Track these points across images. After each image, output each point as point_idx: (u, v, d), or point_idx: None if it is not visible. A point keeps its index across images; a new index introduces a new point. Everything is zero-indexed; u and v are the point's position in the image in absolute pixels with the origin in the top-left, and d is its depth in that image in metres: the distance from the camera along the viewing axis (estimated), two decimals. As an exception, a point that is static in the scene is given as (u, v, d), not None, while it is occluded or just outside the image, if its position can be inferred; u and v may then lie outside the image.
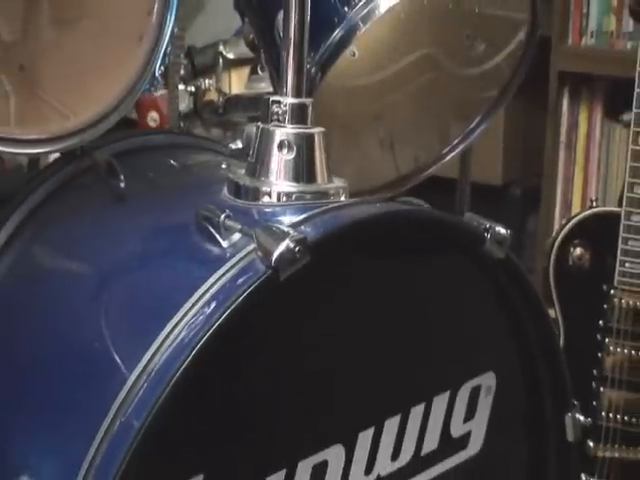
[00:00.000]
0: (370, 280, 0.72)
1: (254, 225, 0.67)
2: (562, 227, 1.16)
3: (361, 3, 0.86)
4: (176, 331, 0.63)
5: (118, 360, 0.66)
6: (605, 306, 1.13)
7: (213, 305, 0.63)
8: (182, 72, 1.32)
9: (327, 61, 0.86)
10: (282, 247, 0.63)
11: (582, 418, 0.84)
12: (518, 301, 0.80)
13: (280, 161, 0.75)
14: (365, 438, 0.73)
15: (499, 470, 0.85)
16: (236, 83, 1.35)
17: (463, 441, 0.81)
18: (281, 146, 0.74)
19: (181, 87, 1.32)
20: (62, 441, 0.67)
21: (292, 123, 0.75)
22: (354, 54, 0.89)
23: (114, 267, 0.76)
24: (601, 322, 1.14)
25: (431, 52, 1.00)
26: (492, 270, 0.78)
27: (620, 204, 1.11)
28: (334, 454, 0.71)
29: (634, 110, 1.10)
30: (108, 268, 0.76)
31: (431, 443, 0.78)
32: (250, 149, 0.77)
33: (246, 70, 1.34)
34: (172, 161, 0.90)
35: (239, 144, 0.86)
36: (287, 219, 0.70)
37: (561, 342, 1.15)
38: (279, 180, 0.75)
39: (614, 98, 1.70)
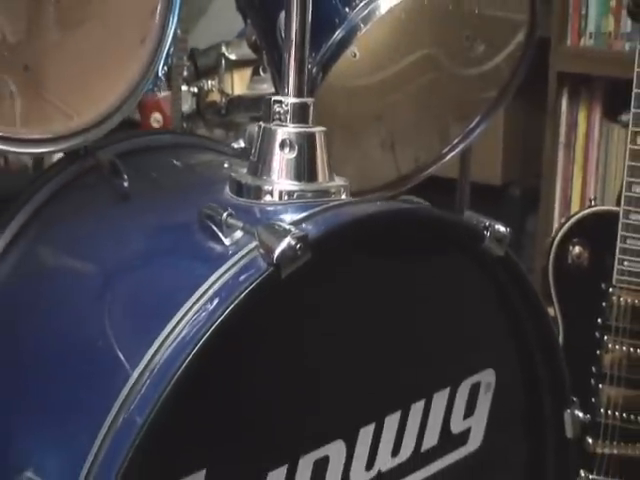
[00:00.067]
0: (370, 277, 0.73)
1: (256, 223, 0.68)
2: (561, 226, 1.17)
3: (362, 4, 0.87)
4: (178, 328, 0.64)
5: (121, 357, 0.67)
6: (604, 304, 1.14)
7: (215, 302, 0.64)
8: (185, 73, 1.33)
9: (328, 61, 0.86)
10: (284, 244, 0.64)
11: (581, 415, 0.85)
12: (517, 298, 0.81)
13: (282, 160, 0.76)
14: (366, 434, 0.74)
15: (498, 466, 0.86)
16: (238, 84, 1.36)
17: (463, 437, 0.81)
18: (283, 145, 0.75)
19: (184, 88, 1.33)
20: (66, 437, 0.67)
21: (294, 122, 0.76)
22: (355, 55, 0.90)
23: (117, 265, 0.76)
24: (600, 320, 1.15)
25: (431, 53, 1.00)
26: (491, 267, 0.78)
27: (619, 203, 1.12)
28: (335, 450, 0.72)
29: (632, 110, 1.11)
30: (111, 266, 0.77)
31: (431, 439, 0.79)
32: (252, 148, 0.78)
33: (248, 71, 1.35)
34: (175, 161, 0.91)
35: (241, 144, 0.87)
36: (288, 217, 0.71)
37: (560, 340, 1.16)
38: (281, 179, 0.75)
39: (613, 98, 1.71)
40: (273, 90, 0.94)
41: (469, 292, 0.80)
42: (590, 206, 1.18)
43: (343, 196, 0.77)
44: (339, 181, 0.78)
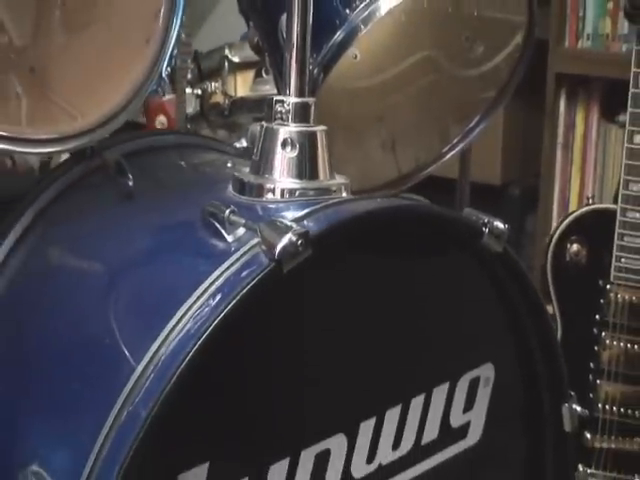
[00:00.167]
0: (371, 273, 0.74)
1: (258, 220, 0.69)
2: (559, 224, 1.18)
3: (362, 5, 0.88)
4: (182, 323, 0.65)
5: (126, 352, 0.68)
6: (601, 301, 1.15)
7: (218, 297, 0.65)
8: (189, 76, 1.35)
9: (329, 62, 0.88)
10: (285, 240, 0.65)
11: (579, 409, 0.86)
12: (516, 294, 0.82)
13: (283, 159, 0.77)
14: (367, 428, 0.75)
15: (498, 460, 0.87)
16: (241, 86, 1.37)
17: (462, 431, 0.82)
18: (284, 144, 0.77)
19: (188, 90, 1.35)
20: (71, 431, 0.68)
21: (295, 122, 0.77)
22: (356, 56, 0.91)
23: (122, 263, 0.78)
24: (597, 316, 1.16)
25: (431, 54, 1.02)
26: (490, 263, 0.79)
27: (616, 201, 1.13)
28: (336, 443, 0.73)
29: (629, 110, 1.12)
30: (116, 264, 0.78)
31: (431, 433, 0.80)
32: (254, 147, 0.79)
33: (251, 73, 1.36)
34: (179, 160, 0.92)
35: (244, 143, 0.88)
36: (290, 214, 0.72)
37: (558, 336, 1.17)
38: (282, 177, 0.77)
39: (610, 99, 1.72)
40: (275, 91, 0.95)
41: (468, 288, 0.81)
42: (588, 204, 1.19)
43: (344, 194, 0.78)
44: (340, 179, 0.79)
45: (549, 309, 1.13)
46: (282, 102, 0.77)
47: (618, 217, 1.12)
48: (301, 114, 0.77)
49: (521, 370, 0.85)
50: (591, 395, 1.15)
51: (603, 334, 1.15)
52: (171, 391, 0.61)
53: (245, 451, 0.68)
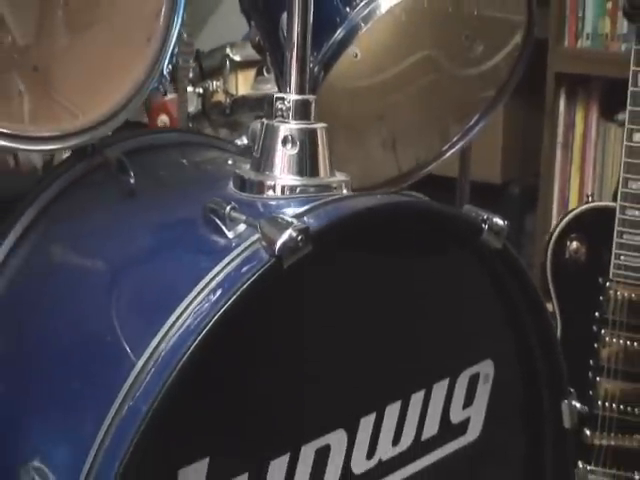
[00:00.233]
0: (371, 269, 0.74)
1: (259, 216, 0.70)
2: (559, 221, 1.19)
3: (362, 3, 0.88)
4: (182, 318, 0.65)
5: (127, 347, 0.68)
6: (601, 298, 1.15)
7: (218, 293, 0.65)
8: (190, 75, 1.35)
9: (329, 60, 0.88)
10: (285, 236, 0.66)
11: (578, 405, 0.86)
12: (515, 291, 0.82)
13: (284, 156, 0.77)
14: (367, 423, 0.75)
15: (497, 456, 0.87)
16: (243, 84, 1.38)
17: (462, 427, 0.83)
18: (285, 141, 0.77)
19: (189, 89, 1.36)
20: (72, 426, 0.69)
21: (296, 119, 0.77)
22: (357, 55, 0.92)
23: (123, 259, 0.78)
24: (597, 314, 1.16)
25: (431, 54, 1.02)
26: (490, 260, 0.80)
27: (615, 199, 1.14)
28: (336, 439, 0.73)
29: (628, 108, 1.12)
30: (117, 260, 0.78)
31: (431, 429, 0.80)
32: (255, 145, 0.79)
33: (252, 72, 1.37)
34: (180, 158, 0.93)
35: (244, 140, 0.89)
36: (291, 211, 0.72)
37: (558, 334, 1.17)
38: (283, 174, 0.77)
39: (609, 98, 1.73)
40: (276, 90, 0.96)
41: (468, 284, 0.81)
42: (587, 202, 1.19)
43: (344, 191, 0.79)
44: (340, 176, 0.79)
45: (549, 307, 1.14)
46: (282, 99, 0.78)
47: (617, 215, 1.12)
48: (301, 111, 0.78)
49: (521, 367, 0.86)
50: (591, 392, 1.15)
51: (602, 331, 1.15)
52: (171, 386, 0.61)
53: (245, 446, 0.68)
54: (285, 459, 0.70)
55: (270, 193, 0.77)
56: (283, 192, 0.77)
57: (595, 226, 1.17)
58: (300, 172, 0.77)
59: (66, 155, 0.94)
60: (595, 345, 1.16)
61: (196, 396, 0.64)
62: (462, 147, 1.09)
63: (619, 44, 1.71)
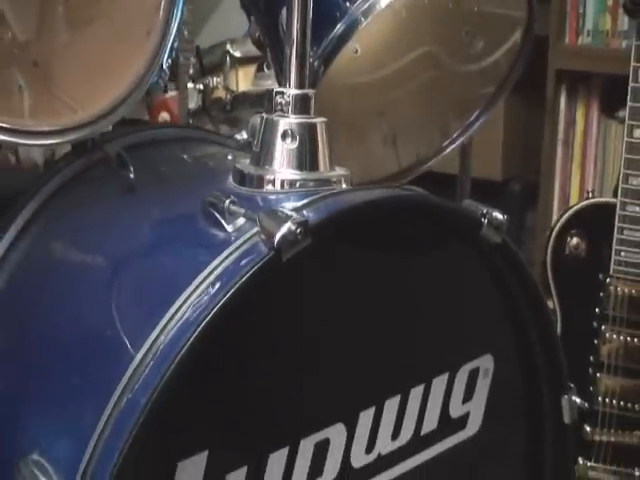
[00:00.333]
0: (370, 263, 0.74)
1: (258, 210, 0.70)
2: (559, 217, 1.19)
3: (362, -2, 0.89)
4: (181, 311, 0.65)
5: (126, 340, 0.68)
6: (601, 294, 1.15)
7: (217, 286, 0.65)
8: (191, 71, 1.35)
9: (329, 55, 0.88)
10: (284, 229, 0.66)
11: (578, 400, 0.86)
12: (515, 286, 0.82)
13: (283, 150, 0.77)
14: (366, 417, 0.75)
15: (497, 451, 0.87)
16: (243, 81, 1.38)
17: (462, 421, 0.83)
18: (284, 135, 0.77)
19: (190, 85, 1.36)
20: (71, 419, 0.69)
21: (295, 113, 0.78)
22: (357, 51, 0.92)
23: (123, 254, 0.78)
24: (597, 310, 1.16)
25: (432, 50, 1.02)
26: (489, 255, 0.80)
27: (615, 195, 1.14)
28: (335, 433, 0.73)
29: (629, 104, 1.12)
30: (118, 254, 0.78)
31: (430, 423, 0.80)
32: (255, 139, 0.79)
33: (253, 68, 1.37)
34: (180, 153, 0.93)
35: (244, 135, 0.89)
36: (290, 204, 0.72)
37: (558, 330, 1.17)
38: (282, 168, 0.77)
39: (610, 95, 1.73)
40: (277, 86, 0.96)
41: (467, 279, 0.81)
42: (588, 198, 1.19)
43: (344, 185, 0.78)
44: (340, 170, 0.79)
45: (549, 304, 1.14)
46: (282, 94, 0.78)
47: (618, 211, 1.12)
48: (301, 106, 0.78)
49: (520, 362, 0.86)
50: (591, 388, 1.15)
51: (603, 327, 1.15)
52: (170, 379, 0.61)
53: (244, 440, 0.68)
54: (284, 452, 0.70)
55: (269, 187, 0.77)
56: (282, 186, 0.77)
57: (595, 222, 1.17)
58: (300, 166, 0.77)
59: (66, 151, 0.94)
60: (595, 341, 1.16)
61: (195, 389, 0.64)
62: (462, 143, 1.09)
63: (620, 41, 1.71)
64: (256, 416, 0.69)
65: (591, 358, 1.16)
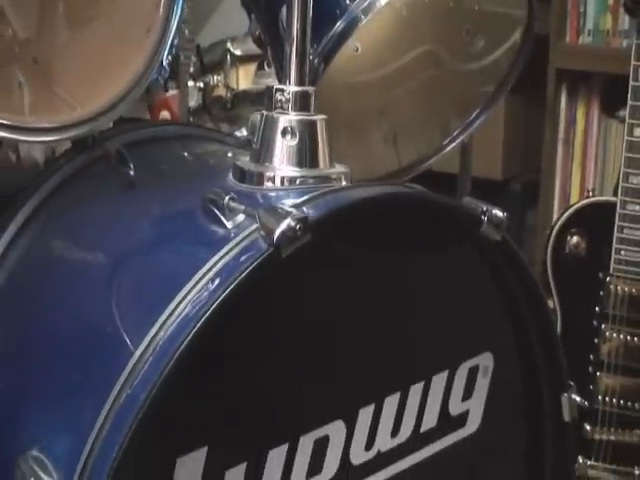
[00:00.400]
0: (369, 260, 0.74)
1: (258, 207, 0.69)
2: (560, 216, 1.19)
3: (362, -5, 0.88)
4: (181, 307, 0.65)
5: (125, 336, 0.68)
6: (601, 293, 1.16)
7: (217, 282, 0.65)
8: (191, 69, 1.36)
9: (329, 52, 0.88)
10: (284, 225, 0.66)
11: (578, 398, 0.86)
12: (515, 283, 0.82)
13: (283, 147, 0.77)
14: (365, 414, 0.75)
15: (497, 449, 0.87)
16: (243, 79, 1.38)
17: (461, 419, 0.83)
18: (284, 132, 0.77)
19: (190, 83, 1.36)
20: (70, 415, 0.69)
21: (295, 110, 0.77)
22: (357, 49, 0.92)
23: (123, 250, 0.78)
24: (597, 309, 1.16)
25: (432, 48, 1.02)
26: (489, 252, 0.80)
27: (616, 194, 1.14)
28: (335, 429, 0.73)
29: (629, 102, 1.13)
30: (118, 251, 0.78)
31: (430, 421, 0.80)
32: (255, 136, 0.79)
33: (253, 66, 1.37)
34: (180, 151, 0.93)
35: (244, 132, 0.89)
36: (290, 201, 0.72)
37: (558, 328, 1.17)
38: (282, 165, 0.77)
39: (611, 95, 1.73)
40: (277, 83, 0.96)
41: (467, 276, 0.81)
42: (588, 197, 1.20)
43: (344, 182, 0.78)
44: (340, 168, 0.79)
45: (549, 304, 1.14)
46: (282, 91, 0.78)
47: (618, 210, 1.12)
48: (301, 103, 0.78)
49: (520, 361, 0.86)
50: (591, 387, 1.16)
51: (603, 326, 1.15)
52: (169, 375, 0.61)
53: (244, 436, 0.68)
54: (284, 449, 0.70)
55: (269, 184, 0.77)
56: (282, 183, 0.76)
57: (595, 221, 1.17)
58: (299, 163, 0.77)
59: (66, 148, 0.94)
60: (595, 340, 1.16)
61: (194, 385, 0.64)
62: (463, 141, 1.09)
63: (620, 40, 1.71)
64: (255, 412, 0.69)
65: (591, 357, 1.16)
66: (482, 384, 0.83)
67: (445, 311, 0.80)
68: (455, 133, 1.08)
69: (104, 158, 0.87)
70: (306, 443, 0.72)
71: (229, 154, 0.90)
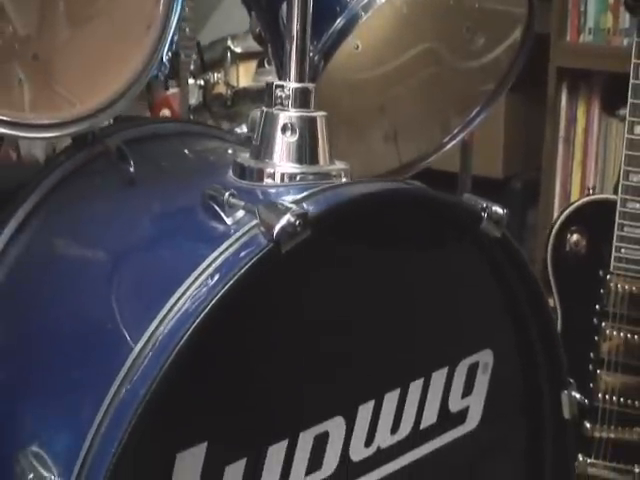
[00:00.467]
0: (370, 257, 0.74)
1: (258, 203, 0.70)
2: (560, 214, 1.19)
3: (362, -8, 0.88)
4: (180, 302, 0.65)
5: (125, 332, 0.68)
6: (601, 291, 1.15)
7: (216, 277, 0.66)
8: (192, 67, 1.36)
9: (329, 49, 0.88)
10: (283, 221, 0.66)
11: (578, 396, 0.86)
12: (515, 280, 0.82)
13: (283, 143, 0.77)
14: (365, 411, 0.75)
15: (497, 446, 0.87)
16: (244, 76, 1.38)
17: (461, 416, 0.83)
18: (284, 129, 0.77)
19: (191, 81, 1.36)
20: (70, 411, 0.69)
21: (295, 107, 0.78)
22: (358, 47, 0.92)
23: (123, 246, 0.78)
24: (597, 307, 1.16)
25: (433, 46, 1.02)
26: (489, 249, 0.80)
27: (616, 192, 1.14)
28: (335, 426, 0.73)
29: (629, 101, 1.13)
30: (118, 247, 0.78)
31: (430, 417, 0.80)
32: (255, 133, 0.80)
33: (253, 64, 1.38)
34: (180, 147, 0.93)
35: (244, 129, 0.89)
36: (290, 197, 0.72)
37: (559, 326, 1.17)
38: (282, 162, 0.77)
39: (611, 93, 1.73)
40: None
41: (467, 273, 0.81)
42: (588, 195, 1.20)
43: (344, 179, 0.79)
44: (340, 164, 0.79)
45: (550, 302, 1.14)
46: (282, 87, 0.78)
47: (618, 208, 1.12)
48: (301, 99, 0.78)
49: (520, 358, 0.86)
50: (591, 385, 1.15)
51: (603, 324, 1.15)
52: (169, 370, 0.61)
53: (243, 432, 0.68)
54: (283, 445, 0.70)
55: (269, 181, 0.77)
56: (282, 179, 0.77)
57: (596, 219, 1.17)
58: (299, 160, 0.77)
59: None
60: (595, 338, 1.16)
61: (194, 380, 0.64)
62: (463, 138, 1.09)
63: (621, 39, 1.71)
64: (255, 408, 0.69)
65: (591, 355, 1.16)
66: (482, 381, 0.83)
67: (445, 308, 0.80)
68: (455, 131, 1.08)
69: (104, 155, 0.88)
70: (306, 439, 0.72)
71: (229, 151, 0.90)
